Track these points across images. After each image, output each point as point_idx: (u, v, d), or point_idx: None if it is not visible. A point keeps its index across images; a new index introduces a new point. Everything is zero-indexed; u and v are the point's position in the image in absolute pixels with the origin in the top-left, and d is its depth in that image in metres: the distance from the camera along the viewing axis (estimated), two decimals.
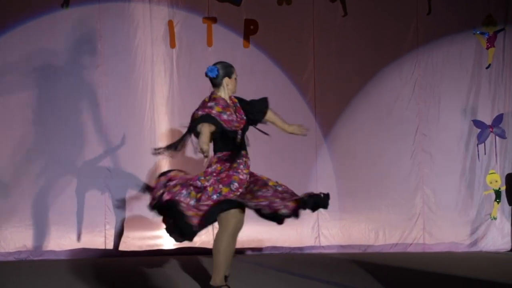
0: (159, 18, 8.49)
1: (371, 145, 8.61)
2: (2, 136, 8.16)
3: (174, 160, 8.10)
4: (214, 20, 8.56)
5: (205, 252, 7.48)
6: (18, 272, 7.06)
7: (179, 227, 4.96)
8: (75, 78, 8.30)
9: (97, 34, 8.33)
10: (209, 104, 5.16)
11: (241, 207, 5.07)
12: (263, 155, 7.54)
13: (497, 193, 8.56)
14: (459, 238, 8.52)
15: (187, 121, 5.17)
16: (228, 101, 5.25)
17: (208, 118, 5.03)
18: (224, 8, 8.56)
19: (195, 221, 4.92)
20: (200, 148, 4.82)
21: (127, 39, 8.42)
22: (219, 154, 5.17)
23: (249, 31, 8.62)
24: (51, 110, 8.25)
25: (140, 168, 8.28)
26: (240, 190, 5.05)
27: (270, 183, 5.12)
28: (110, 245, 8.21)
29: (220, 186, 5.04)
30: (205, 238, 7.76)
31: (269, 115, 5.43)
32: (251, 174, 5.21)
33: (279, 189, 5.09)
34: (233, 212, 5.06)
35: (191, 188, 5.05)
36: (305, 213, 5.17)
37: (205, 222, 4.98)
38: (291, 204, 4.98)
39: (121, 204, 8.23)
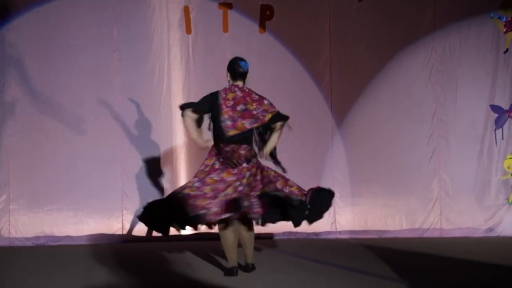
0: (175, 3, 8.48)
1: (388, 130, 8.57)
2: (19, 122, 8.21)
3: (189, 147, 8.15)
4: (230, 6, 8.53)
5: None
6: (37, 257, 7.12)
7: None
8: (92, 61, 8.31)
9: (113, 20, 8.34)
10: None
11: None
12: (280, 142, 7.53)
13: None
14: (476, 223, 8.48)
15: None
16: None
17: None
18: None
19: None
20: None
21: (144, 25, 8.43)
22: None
23: (265, 16, 8.59)
24: (68, 95, 8.28)
25: (156, 152, 8.33)
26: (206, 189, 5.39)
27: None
28: (127, 231, 8.26)
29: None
30: None
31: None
32: (255, 173, 5.44)
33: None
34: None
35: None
36: None
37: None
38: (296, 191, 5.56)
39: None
